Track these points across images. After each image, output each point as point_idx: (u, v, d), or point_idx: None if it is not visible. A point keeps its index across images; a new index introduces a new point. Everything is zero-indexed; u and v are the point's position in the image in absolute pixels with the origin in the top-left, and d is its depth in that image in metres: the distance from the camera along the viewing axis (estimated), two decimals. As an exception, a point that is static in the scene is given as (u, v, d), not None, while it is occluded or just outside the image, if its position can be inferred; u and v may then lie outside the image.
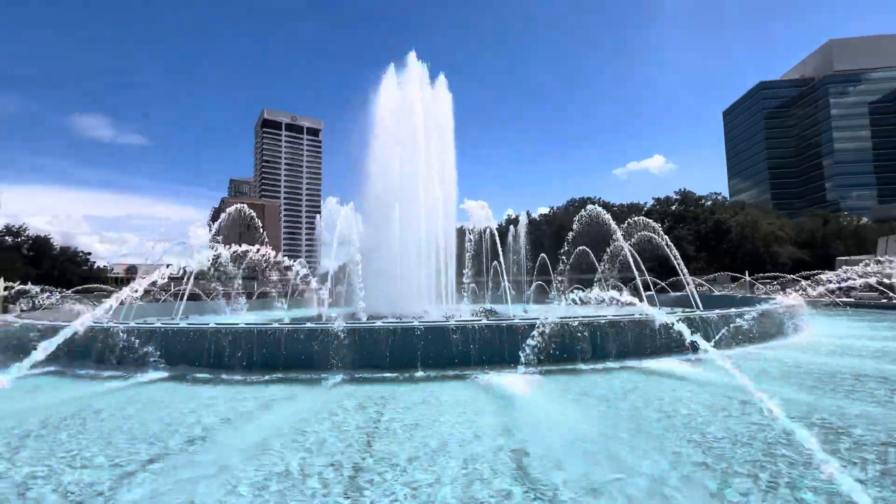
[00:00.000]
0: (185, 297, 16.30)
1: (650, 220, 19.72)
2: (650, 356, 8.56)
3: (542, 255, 34.14)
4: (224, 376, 7.90)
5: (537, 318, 8.27)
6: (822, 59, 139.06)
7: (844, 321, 17.24)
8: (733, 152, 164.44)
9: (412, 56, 24.76)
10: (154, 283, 8.05)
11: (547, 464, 3.99)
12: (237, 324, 8.55)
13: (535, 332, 7.95)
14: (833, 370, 7.84)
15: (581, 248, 29.90)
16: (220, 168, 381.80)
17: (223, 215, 22.98)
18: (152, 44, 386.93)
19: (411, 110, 23.70)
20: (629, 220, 20.83)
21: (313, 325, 8.15)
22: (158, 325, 8.76)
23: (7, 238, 60.45)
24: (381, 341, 7.96)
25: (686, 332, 4.75)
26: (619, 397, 6.38)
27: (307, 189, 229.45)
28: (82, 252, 76.51)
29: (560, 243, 28.32)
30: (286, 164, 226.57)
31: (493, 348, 8.04)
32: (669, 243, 18.03)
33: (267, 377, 7.82)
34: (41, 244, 62.68)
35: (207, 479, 3.79)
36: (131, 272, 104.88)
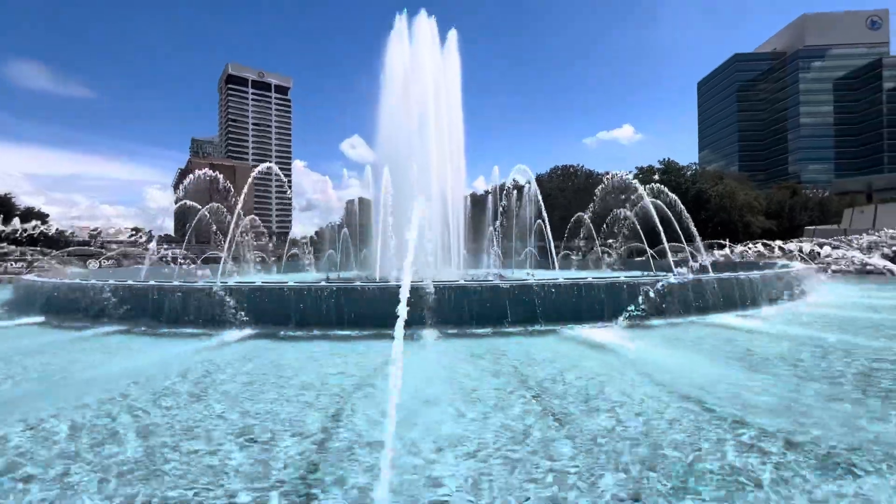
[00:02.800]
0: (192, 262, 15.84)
1: (663, 188, 20.31)
2: (712, 312, 9.24)
3: (539, 221, 34.74)
4: (317, 332, 8.01)
5: (622, 278, 8.73)
6: (794, 33, 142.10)
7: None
8: (706, 124, 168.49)
9: (422, 14, 23.81)
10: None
11: (721, 396, 4.45)
12: (320, 282, 8.60)
13: (646, 291, 8.54)
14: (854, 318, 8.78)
15: (579, 214, 30.57)
16: (180, 126, 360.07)
17: (190, 176, 22.00)
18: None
19: (422, 70, 23.06)
20: (647, 185, 21.26)
21: (397, 284, 8.31)
22: (247, 283, 8.69)
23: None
24: (469, 299, 8.23)
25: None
26: (707, 344, 6.98)
27: (276, 150, 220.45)
28: (41, 212, 71.96)
29: (548, 210, 28.80)
30: (253, 123, 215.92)
31: (574, 305, 8.46)
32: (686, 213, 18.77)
33: (356, 333, 7.99)
34: (5, 203, 58.63)
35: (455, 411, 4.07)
36: (95, 236, 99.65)
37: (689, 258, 17.62)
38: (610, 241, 25.88)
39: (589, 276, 10.34)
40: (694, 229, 18.79)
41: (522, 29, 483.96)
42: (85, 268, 31.30)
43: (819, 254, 21.16)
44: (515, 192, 33.98)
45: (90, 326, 8.94)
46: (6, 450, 3.45)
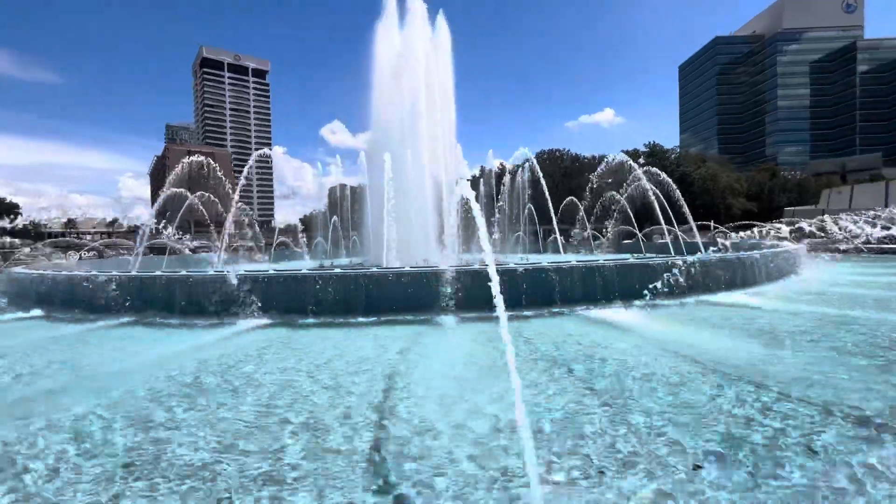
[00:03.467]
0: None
1: (661, 172, 20.50)
2: (718, 291, 9.49)
3: (529, 205, 34.87)
4: (336, 320, 7.95)
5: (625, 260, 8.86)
6: (773, 15, 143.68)
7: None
8: (687, 107, 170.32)
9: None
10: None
11: (754, 368, 4.61)
12: (334, 268, 8.51)
13: (673, 271, 8.77)
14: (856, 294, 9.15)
15: (571, 198, 30.80)
16: (154, 112, 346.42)
17: (182, 162, 21.39)
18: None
19: (414, 54, 22.68)
20: (645, 168, 21.37)
21: (422, 269, 8.29)
22: (261, 272, 8.54)
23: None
24: (485, 283, 8.24)
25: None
26: (722, 323, 7.19)
27: (256, 135, 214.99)
28: (12, 203, 69.18)
29: (536, 194, 28.93)
30: (231, 108, 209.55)
31: (590, 287, 8.58)
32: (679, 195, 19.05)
33: (373, 319, 7.97)
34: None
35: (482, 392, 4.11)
36: (71, 226, 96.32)
37: (718, 240, 17.63)
38: (606, 223, 26.21)
39: (592, 259, 10.48)
40: (688, 212, 19.17)
41: (504, 14, 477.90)
42: (66, 259, 30.33)
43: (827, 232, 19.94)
44: (509, 176, 33.98)
45: (96, 319, 8.70)
46: (136, 436, 3.37)
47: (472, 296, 8.24)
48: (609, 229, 26.65)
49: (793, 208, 48.21)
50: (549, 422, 3.57)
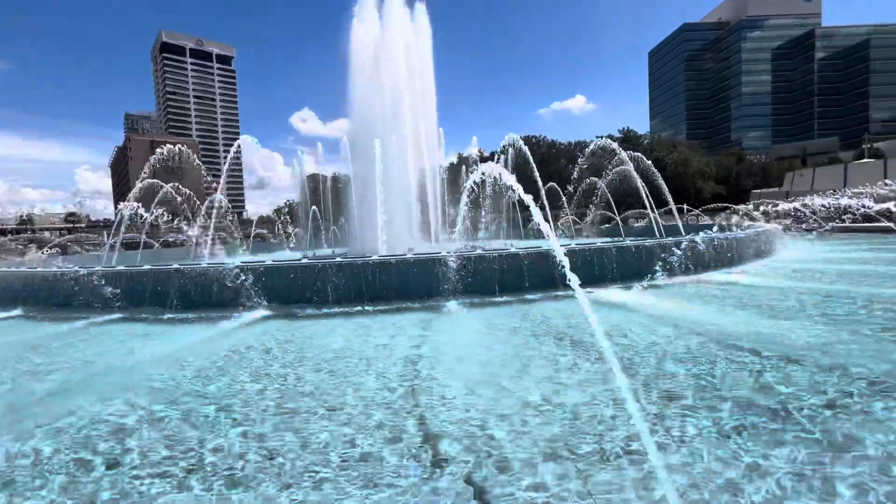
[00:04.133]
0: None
1: (644, 157, 20.90)
2: (705, 271, 9.86)
3: (510, 192, 35.03)
4: (336, 310, 7.86)
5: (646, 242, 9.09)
6: (738, 2, 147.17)
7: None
8: (656, 93, 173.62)
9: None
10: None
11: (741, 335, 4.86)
12: (335, 257, 8.39)
13: (677, 251, 9.02)
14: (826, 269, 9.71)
15: (551, 184, 31.06)
16: (111, 101, 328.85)
17: (158, 152, 20.61)
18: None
19: (393, 40, 22.31)
20: (630, 153, 21.67)
21: (425, 255, 8.27)
22: (262, 262, 8.33)
23: None
24: (490, 268, 8.32)
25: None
26: (719, 298, 7.51)
27: (223, 124, 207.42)
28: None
29: (520, 179, 29.11)
30: (195, 96, 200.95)
31: (589, 269, 8.76)
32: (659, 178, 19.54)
33: (372, 308, 7.90)
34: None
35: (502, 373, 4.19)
36: (28, 223, 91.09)
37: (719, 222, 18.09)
38: (586, 209, 26.69)
39: (591, 242, 10.68)
40: (668, 196, 19.70)
41: (472, 2, 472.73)
42: (23, 256, 28.85)
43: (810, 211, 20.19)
44: (501, 157, 33.89)
45: (83, 317, 8.33)
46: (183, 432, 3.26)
47: (474, 281, 8.31)
48: (590, 214, 27.15)
49: (759, 191, 50.18)
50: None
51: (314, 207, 31.66)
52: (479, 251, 8.71)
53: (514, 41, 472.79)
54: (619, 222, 28.59)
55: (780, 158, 74.94)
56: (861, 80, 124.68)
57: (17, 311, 9.32)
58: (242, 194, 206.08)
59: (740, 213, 26.52)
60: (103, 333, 7.32)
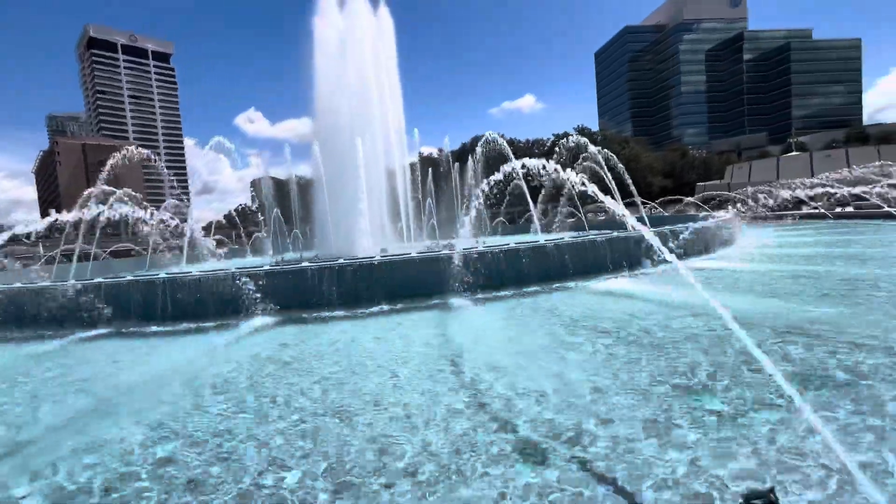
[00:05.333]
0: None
1: (610, 153, 21.78)
2: (688, 258, 10.54)
3: (478, 190, 35.48)
4: (358, 311, 7.71)
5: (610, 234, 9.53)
6: (674, 7, 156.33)
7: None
8: (603, 92, 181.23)
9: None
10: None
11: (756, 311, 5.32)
12: (339, 258, 8.24)
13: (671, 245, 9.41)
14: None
15: (516, 182, 31.67)
16: (30, 102, 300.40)
17: (115, 157, 19.37)
18: None
19: (359, 41, 22.05)
20: (582, 154, 22.56)
21: (432, 253, 8.30)
22: (265, 266, 8.00)
23: None
24: (494, 263, 8.48)
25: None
26: (704, 280, 8.08)
27: (164, 125, 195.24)
28: None
29: (476, 180, 29.73)
30: (131, 95, 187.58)
31: (582, 261, 9.13)
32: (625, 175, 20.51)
33: (388, 307, 7.85)
34: None
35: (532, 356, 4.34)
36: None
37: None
38: (560, 201, 27.66)
39: (582, 235, 11.11)
40: (634, 190, 20.74)
41: (418, 3, 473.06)
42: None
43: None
44: (457, 164, 34.17)
45: (64, 335, 7.68)
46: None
47: (477, 276, 8.44)
48: (560, 209, 28.04)
49: (703, 184, 53.65)
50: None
51: (276, 211, 30.65)
52: (479, 248, 8.84)
53: (464, 43, 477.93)
54: (583, 217, 29.72)
55: (720, 153, 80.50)
56: (783, 80, 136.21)
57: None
58: (189, 199, 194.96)
59: (735, 201, 28.22)
60: (90, 351, 6.81)
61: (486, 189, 10.31)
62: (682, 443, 2.75)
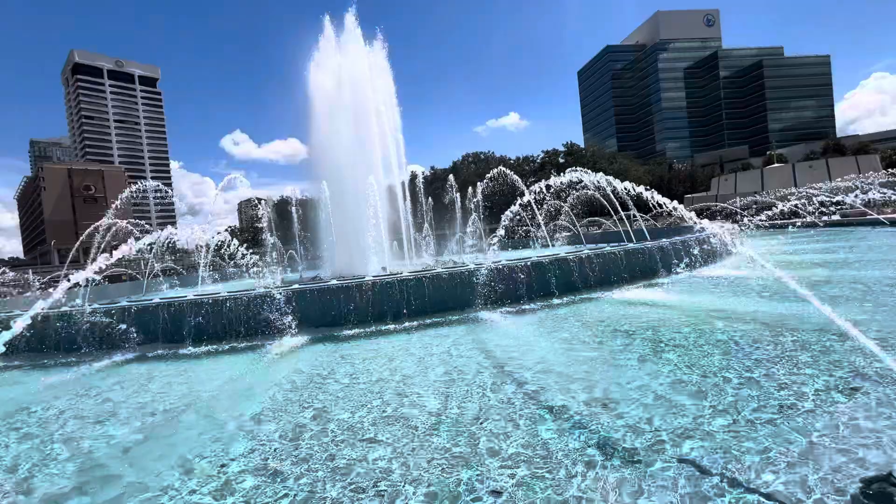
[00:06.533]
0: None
1: (611, 179, 22.32)
2: (701, 268, 10.84)
3: (472, 209, 35.90)
4: (383, 327, 7.77)
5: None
6: (651, 27, 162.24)
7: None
8: (587, 109, 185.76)
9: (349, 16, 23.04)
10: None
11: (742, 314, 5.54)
12: (365, 277, 8.33)
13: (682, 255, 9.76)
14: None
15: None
16: (11, 127, 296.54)
17: (130, 188, 19.45)
18: None
19: (357, 77, 22.48)
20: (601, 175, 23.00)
21: (457, 269, 8.43)
22: (296, 285, 8.04)
23: None
24: (518, 277, 8.65)
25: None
26: (724, 286, 8.34)
27: (150, 149, 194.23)
28: None
29: (465, 197, 30.26)
30: (117, 120, 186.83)
31: (603, 273, 9.35)
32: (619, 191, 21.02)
33: (416, 322, 7.93)
34: None
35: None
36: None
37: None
38: (560, 217, 28.17)
39: (601, 247, 11.35)
40: (631, 205, 21.25)
41: (412, 24, 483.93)
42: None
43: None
44: (451, 179, 34.58)
45: (91, 360, 7.59)
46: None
47: (504, 290, 8.59)
48: (555, 224, 28.50)
49: (691, 195, 55.02)
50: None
51: (275, 234, 30.66)
52: (503, 261, 9.01)
53: (446, 62, 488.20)
54: (579, 231, 30.24)
55: (703, 166, 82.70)
56: (758, 95, 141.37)
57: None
58: (174, 223, 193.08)
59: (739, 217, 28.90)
60: (131, 376, 6.75)
61: (512, 214, 10.54)
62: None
